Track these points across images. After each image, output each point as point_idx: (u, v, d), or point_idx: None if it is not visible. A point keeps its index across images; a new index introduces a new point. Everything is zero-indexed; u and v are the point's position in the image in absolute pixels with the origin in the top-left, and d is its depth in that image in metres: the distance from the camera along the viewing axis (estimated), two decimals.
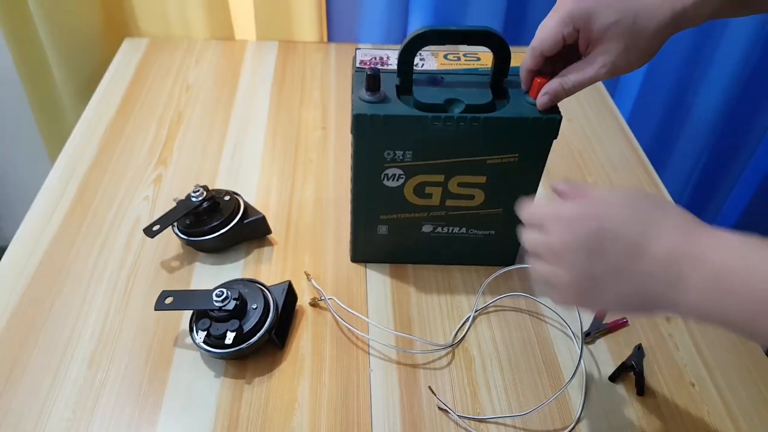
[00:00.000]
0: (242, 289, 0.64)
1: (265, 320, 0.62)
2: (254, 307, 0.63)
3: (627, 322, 0.69)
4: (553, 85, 0.57)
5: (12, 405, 0.59)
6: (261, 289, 0.65)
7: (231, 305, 0.61)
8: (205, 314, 0.62)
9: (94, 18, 1.10)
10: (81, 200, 0.81)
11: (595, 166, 0.91)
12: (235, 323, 0.60)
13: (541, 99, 0.58)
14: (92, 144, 0.90)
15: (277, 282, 0.67)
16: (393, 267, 0.74)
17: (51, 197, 0.81)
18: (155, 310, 0.63)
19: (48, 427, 0.57)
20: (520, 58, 0.67)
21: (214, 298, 0.61)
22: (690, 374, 0.65)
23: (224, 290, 0.61)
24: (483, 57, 0.67)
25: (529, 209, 0.47)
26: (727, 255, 0.37)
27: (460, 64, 0.66)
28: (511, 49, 0.61)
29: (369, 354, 0.65)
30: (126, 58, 1.09)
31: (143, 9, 1.11)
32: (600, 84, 1.09)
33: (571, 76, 0.56)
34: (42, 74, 1.15)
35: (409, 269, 0.74)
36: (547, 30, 0.54)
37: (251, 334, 0.61)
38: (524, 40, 1.17)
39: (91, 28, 1.10)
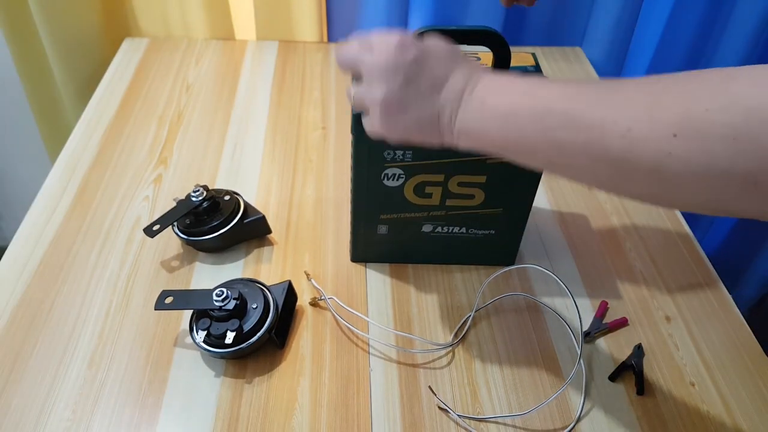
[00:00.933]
0: (242, 289, 0.64)
1: (265, 320, 0.62)
2: (254, 306, 0.63)
3: (627, 322, 0.69)
4: None
5: (12, 405, 0.59)
6: (261, 288, 0.65)
7: (231, 305, 0.61)
8: (205, 314, 0.62)
9: (94, 18, 1.10)
10: (81, 200, 0.81)
11: None
12: (235, 323, 0.60)
13: None
14: (92, 144, 0.90)
15: (277, 282, 0.67)
16: (393, 267, 0.74)
17: (51, 197, 0.81)
18: (155, 309, 0.63)
19: (48, 426, 0.57)
20: (520, 58, 0.67)
21: (214, 297, 0.61)
22: (690, 374, 0.65)
23: (224, 290, 0.61)
24: (483, 57, 0.67)
25: (364, 35, 0.49)
26: (494, 86, 0.44)
27: None
28: (511, 49, 0.61)
29: (369, 353, 0.65)
30: (126, 58, 1.09)
31: (143, 9, 1.11)
32: None
33: None
34: (42, 74, 1.15)
35: (409, 269, 0.74)
36: None
37: (251, 334, 0.61)
38: (524, 40, 1.17)
39: (91, 28, 1.10)
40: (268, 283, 0.66)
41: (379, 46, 0.46)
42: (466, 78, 0.45)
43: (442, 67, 0.46)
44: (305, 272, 0.72)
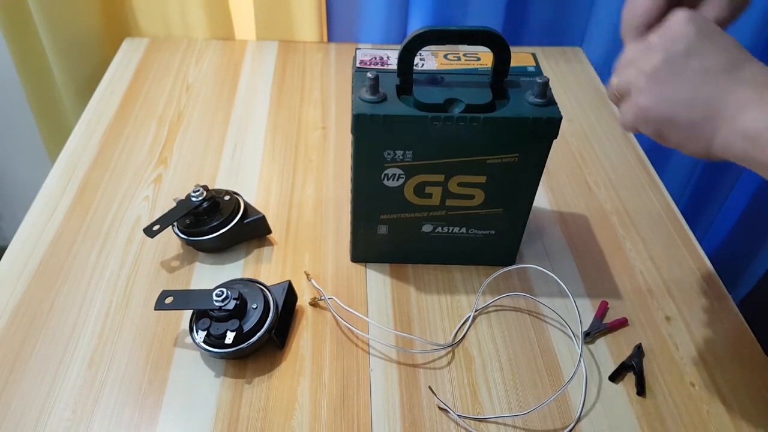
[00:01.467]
0: (242, 289, 0.64)
1: (265, 320, 0.62)
2: (254, 306, 0.63)
3: (627, 322, 0.69)
4: None
5: (12, 405, 0.59)
6: (261, 288, 0.65)
7: (231, 305, 0.61)
8: (205, 314, 0.62)
9: (94, 18, 1.10)
10: (81, 200, 0.81)
11: (595, 166, 0.91)
12: (235, 323, 0.60)
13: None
14: (92, 144, 0.90)
15: (277, 282, 0.67)
16: (393, 267, 0.74)
17: (51, 197, 0.81)
18: (155, 309, 0.63)
19: (48, 427, 0.57)
20: (520, 58, 0.67)
21: (214, 297, 0.61)
22: (690, 374, 0.65)
23: (224, 290, 0.61)
24: (483, 57, 0.67)
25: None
26: None
27: (460, 64, 0.66)
28: (511, 49, 0.61)
29: (369, 354, 0.65)
30: (126, 58, 1.09)
31: (143, 9, 1.11)
32: (600, 84, 1.09)
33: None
34: (42, 74, 1.15)
35: (409, 269, 0.74)
36: None
37: (251, 334, 0.61)
38: (524, 40, 1.17)
39: (91, 28, 1.10)
40: (268, 283, 0.66)
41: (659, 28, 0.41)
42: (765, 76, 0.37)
43: (737, 50, 0.39)
44: (305, 272, 0.72)
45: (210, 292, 0.62)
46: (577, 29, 1.16)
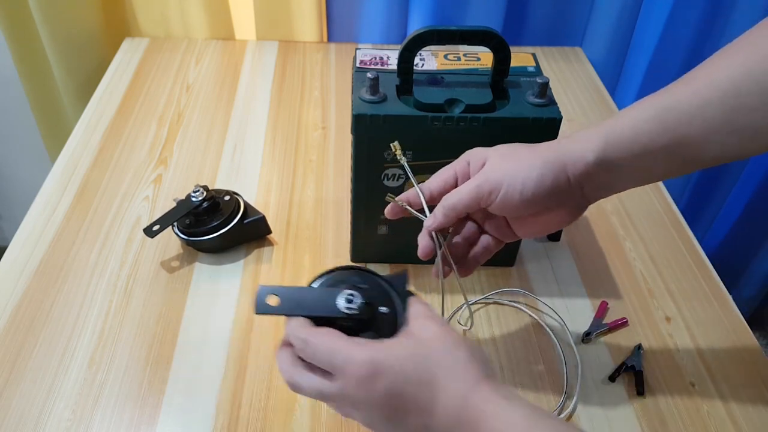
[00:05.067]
0: (360, 283, 0.47)
1: (396, 329, 0.45)
2: (385, 311, 0.46)
3: (627, 322, 0.69)
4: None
5: (12, 405, 0.59)
6: (381, 283, 0.48)
7: (362, 311, 0.44)
8: (324, 322, 0.45)
9: (94, 18, 1.10)
10: (81, 200, 0.81)
11: None
12: (371, 337, 0.44)
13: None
14: (92, 144, 0.90)
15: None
16: (393, 267, 0.74)
17: (51, 197, 0.81)
18: (257, 314, 0.46)
19: (48, 427, 0.57)
20: (520, 58, 0.67)
21: (342, 302, 0.44)
22: (690, 374, 0.65)
23: (353, 293, 0.45)
24: (483, 57, 0.67)
25: (312, 341, 0.42)
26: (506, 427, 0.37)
27: (460, 64, 0.66)
28: (511, 49, 0.61)
29: None
30: (126, 58, 1.09)
31: (143, 9, 1.11)
32: (600, 83, 1.09)
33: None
34: (42, 74, 1.15)
35: (409, 269, 0.74)
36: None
37: None
38: (524, 40, 1.17)
39: (91, 28, 1.10)
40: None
41: (340, 374, 0.40)
42: (456, 407, 0.39)
43: (419, 392, 0.39)
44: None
45: (333, 294, 0.45)
46: (577, 29, 1.16)
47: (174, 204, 0.73)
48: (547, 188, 0.48)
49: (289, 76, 1.07)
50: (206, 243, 0.72)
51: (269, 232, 0.76)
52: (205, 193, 0.72)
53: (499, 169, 0.49)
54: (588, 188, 0.49)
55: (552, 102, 0.61)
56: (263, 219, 0.75)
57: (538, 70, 0.66)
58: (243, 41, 1.15)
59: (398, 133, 0.60)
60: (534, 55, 0.69)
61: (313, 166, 0.88)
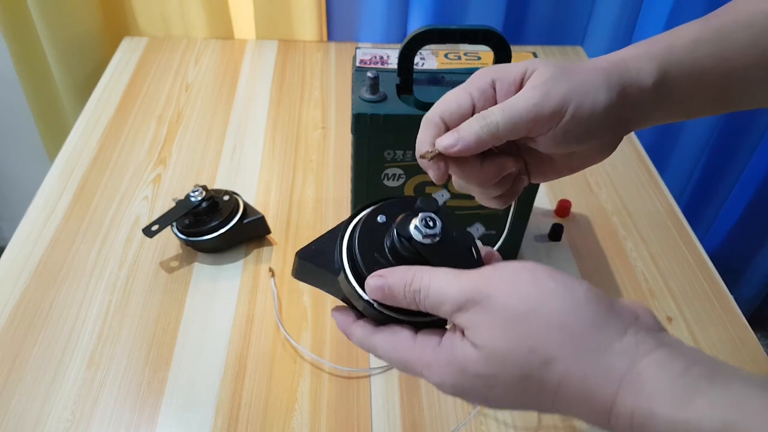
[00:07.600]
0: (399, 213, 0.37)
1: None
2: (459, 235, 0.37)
3: None
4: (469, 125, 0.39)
5: (11, 405, 0.59)
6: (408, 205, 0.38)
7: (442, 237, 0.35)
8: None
9: (93, 17, 1.09)
10: (80, 200, 0.81)
11: (596, 166, 0.91)
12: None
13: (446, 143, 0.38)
14: (91, 143, 0.90)
15: None
16: None
17: (50, 197, 0.81)
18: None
19: (47, 427, 0.57)
20: (521, 57, 0.67)
21: (421, 230, 0.35)
22: None
23: (433, 217, 0.36)
24: (483, 56, 0.67)
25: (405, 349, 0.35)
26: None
27: (461, 63, 0.66)
28: (512, 48, 0.61)
29: (369, 354, 0.65)
30: (125, 58, 1.08)
31: (142, 8, 1.11)
32: None
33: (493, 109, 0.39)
34: (41, 74, 1.15)
35: None
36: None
37: None
38: (525, 38, 1.17)
39: (91, 27, 1.10)
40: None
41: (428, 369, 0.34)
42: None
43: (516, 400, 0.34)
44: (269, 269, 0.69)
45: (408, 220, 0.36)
46: (578, 28, 1.16)
47: (173, 204, 0.73)
48: (614, 110, 0.39)
49: (288, 75, 1.07)
50: (205, 243, 0.72)
51: (269, 232, 0.76)
52: (204, 193, 0.72)
53: (564, 83, 0.38)
54: (634, 115, 0.41)
55: None
56: (263, 219, 0.74)
57: None
58: (242, 40, 1.15)
59: (398, 132, 0.60)
60: (535, 54, 0.68)
61: (313, 165, 0.88)
